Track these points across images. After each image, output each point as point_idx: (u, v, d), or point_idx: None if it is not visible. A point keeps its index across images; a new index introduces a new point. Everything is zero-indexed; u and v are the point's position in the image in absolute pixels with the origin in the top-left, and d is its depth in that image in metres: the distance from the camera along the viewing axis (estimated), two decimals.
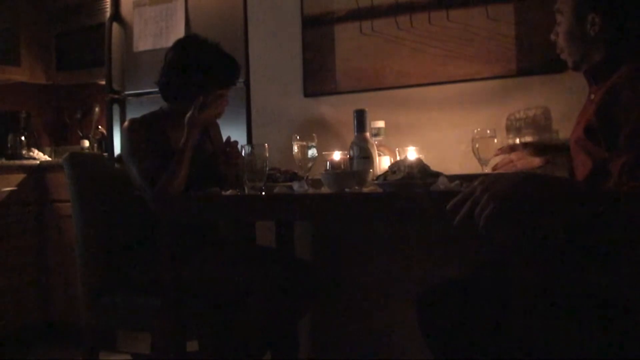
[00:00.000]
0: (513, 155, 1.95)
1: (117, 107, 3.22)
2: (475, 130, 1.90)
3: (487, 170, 1.88)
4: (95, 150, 3.91)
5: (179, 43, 2.26)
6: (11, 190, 3.35)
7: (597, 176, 1.50)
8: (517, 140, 1.97)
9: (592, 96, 1.65)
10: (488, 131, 1.89)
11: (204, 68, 2.17)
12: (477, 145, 1.87)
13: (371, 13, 2.53)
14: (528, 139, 2.20)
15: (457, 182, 1.62)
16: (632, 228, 1.31)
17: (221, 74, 2.20)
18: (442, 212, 1.39)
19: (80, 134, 4.03)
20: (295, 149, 2.00)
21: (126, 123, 2.21)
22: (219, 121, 2.38)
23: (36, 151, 3.90)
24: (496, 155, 1.94)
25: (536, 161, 1.94)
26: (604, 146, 1.47)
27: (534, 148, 1.96)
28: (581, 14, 1.59)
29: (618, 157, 1.40)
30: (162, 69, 2.23)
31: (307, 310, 2.40)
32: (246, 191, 1.83)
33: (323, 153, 2.10)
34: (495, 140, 1.90)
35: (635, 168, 1.35)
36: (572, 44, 1.64)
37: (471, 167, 2.29)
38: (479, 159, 1.89)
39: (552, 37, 1.70)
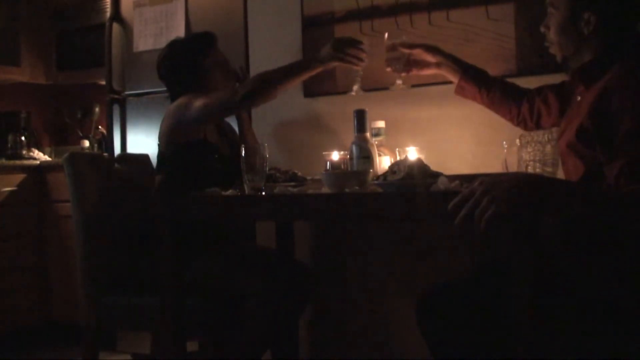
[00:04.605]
0: (414, 52, 2.08)
1: (117, 107, 3.22)
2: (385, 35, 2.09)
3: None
4: (95, 150, 3.91)
5: (163, 55, 2.36)
6: (11, 190, 3.35)
7: (590, 179, 1.50)
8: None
9: (579, 98, 1.64)
10: (404, 37, 2.08)
11: (188, 53, 2.29)
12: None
13: (371, 13, 2.53)
14: None
15: (457, 182, 1.62)
16: (631, 229, 1.31)
17: (198, 44, 2.31)
18: (442, 212, 1.39)
19: (80, 134, 4.03)
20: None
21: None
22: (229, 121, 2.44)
23: (36, 151, 3.90)
24: (396, 50, 2.07)
25: (430, 59, 2.07)
26: (598, 149, 1.46)
27: (432, 49, 2.07)
28: (576, 11, 1.57)
29: (614, 160, 1.39)
30: (166, 84, 2.35)
31: (305, 310, 2.40)
32: (246, 191, 1.83)
33: (323, 153, 2.10)
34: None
35: (633, 171, 1.34)
36: (565, 40, 1.62)
37: (471, 167, 2.29)
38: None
39: (542, 29, 1.69)
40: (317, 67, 2.07)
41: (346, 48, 2.03)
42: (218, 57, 2.32)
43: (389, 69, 2.11)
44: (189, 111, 2.13)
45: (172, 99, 2.31)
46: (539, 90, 1.93)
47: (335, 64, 2.06)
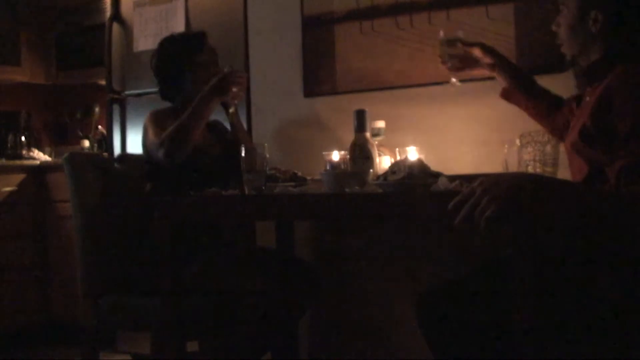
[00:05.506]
0: (472, 50, 2.03)
1: (117, 107, 3.22)
2: (441, 32, 2.05)
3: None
4: (95, 150, 3.91)
5: (155, 50, 2.38)
6: (11, 190, 3.36)
7: (593, 180, 1.50)
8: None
9: (587, 98, 1.64)
10: (460, 33, 2.04)
11: (177, 50, 2.31)
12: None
13: (371, 13, 2.53)
14: None
15: (457, 182, 1.62)
16: (631, 230, 1.31)
17: (188, 43, 2.33)
18: (442, 212, 1.39)
19: (80, 134, 4.03)
20: None
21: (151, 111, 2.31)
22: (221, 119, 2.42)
23: (36, 151, 3.90)
24: (456, 47, 2.03)
25: (487, 60, 2.03)
26: (600, 149, 1.46)
27: (489, 50, 2.04)
28: (584, 10, 1.58)
29: (614, 160, 1.39)
30: (156, 78, 2.36)
31: (306, 310, 2.40)
32: (246, 191, 1.83)
33: (323, 153, 2.10)
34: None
35: (632, 172, 1.34)
36: (573, 38, 1.63)
37: (471, 167, 2.29)
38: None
39: (554, 27, 1.69)
40: (213, 101, 2.16)
41: (229, 79, 2.15)
42: (204, 58, 2.31)
43: (445, 66, 2.07)
44: (146, 138, 2.23)
45: (161, 95, 2.36)
46: (567, 101, 1.91)
47: (225, 95, 2.17)
